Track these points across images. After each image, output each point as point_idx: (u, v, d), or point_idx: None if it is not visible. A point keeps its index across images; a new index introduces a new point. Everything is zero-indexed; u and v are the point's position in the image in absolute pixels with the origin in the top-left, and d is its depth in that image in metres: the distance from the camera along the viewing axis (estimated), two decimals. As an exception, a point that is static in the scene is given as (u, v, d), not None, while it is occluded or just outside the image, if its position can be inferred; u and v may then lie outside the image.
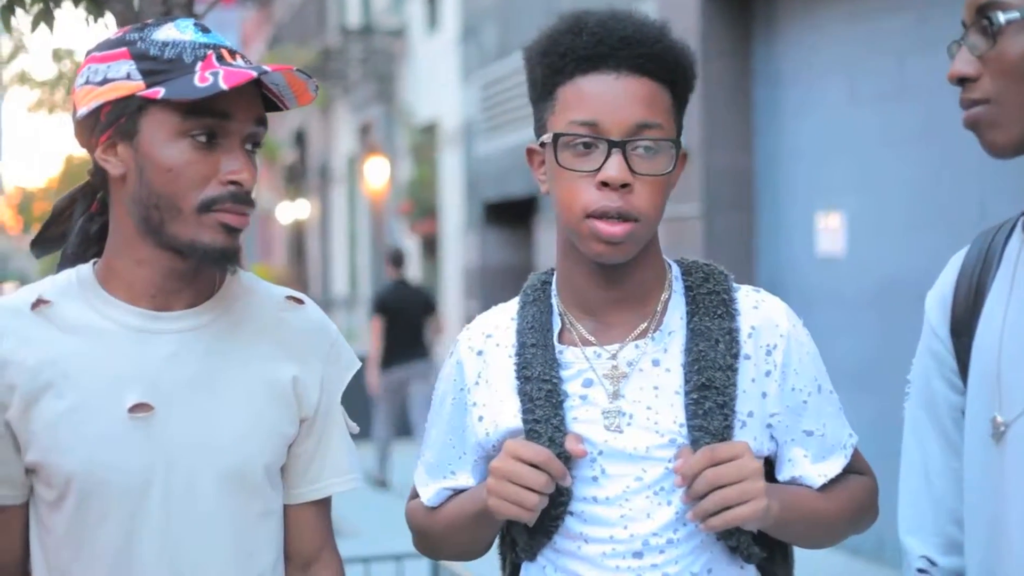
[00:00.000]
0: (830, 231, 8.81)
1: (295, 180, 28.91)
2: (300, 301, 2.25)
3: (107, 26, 3.44)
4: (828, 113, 8.73)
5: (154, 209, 2.04)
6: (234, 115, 2.03)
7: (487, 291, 14.07)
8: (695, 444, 2.08)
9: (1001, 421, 1.85)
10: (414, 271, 19.48)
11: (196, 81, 1.99)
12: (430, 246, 18.85)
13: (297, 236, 29.88)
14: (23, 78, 10.70)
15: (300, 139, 28.38)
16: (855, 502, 2.21)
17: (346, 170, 24.48)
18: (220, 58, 2.03)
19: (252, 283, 2.23)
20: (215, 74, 1.99)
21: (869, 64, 8.16)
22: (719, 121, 9.49)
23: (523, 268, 15.54)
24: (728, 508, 2.00)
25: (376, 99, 20.72)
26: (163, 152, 2.03)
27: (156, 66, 2.02)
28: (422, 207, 18.19)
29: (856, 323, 8.27)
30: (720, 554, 2.13)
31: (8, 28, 3.54)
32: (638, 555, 2.10)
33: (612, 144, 2.07)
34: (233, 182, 2.03)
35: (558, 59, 2.12)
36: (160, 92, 2.00)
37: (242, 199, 2.04)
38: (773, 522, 2.09)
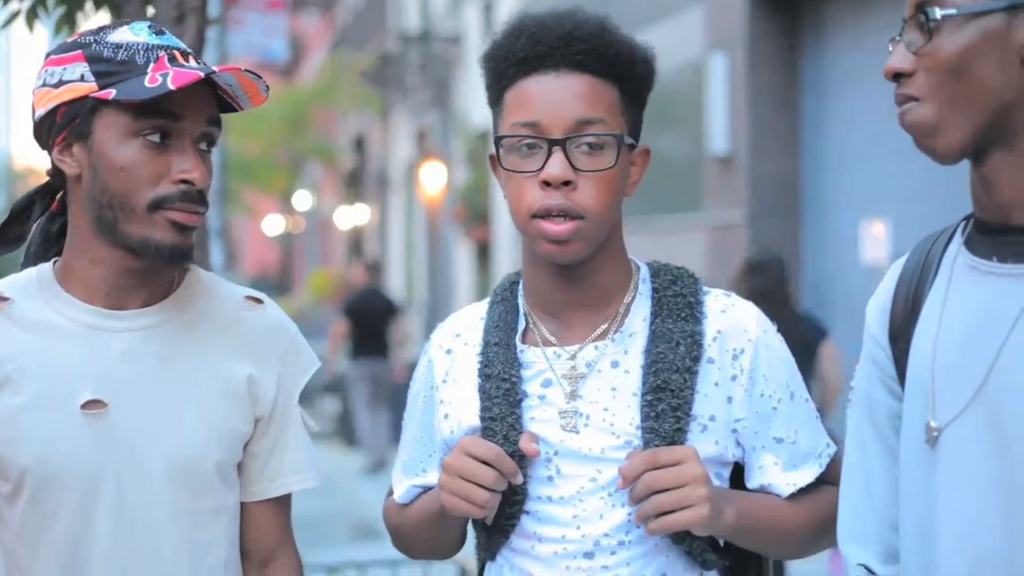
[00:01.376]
0: (875, 239, 8.77)
1: (354, 185, 29.06)
2: (259, 301, 2.27)
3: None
4: (874, 122, 8.68)
5: (107, 208, 2.08)
6: (185, 115, 2.06)
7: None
8: (646, 446, 2.06)
9: (935, 426, 1.84)
10: (467, 276, 19.53)
11: (146, 82, 2.02)
12: (483, 251, 18.89)
13: (356, 241, 30.01)
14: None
15: (359, 145, 28.51)
16: (826, 513, 2.15)
17: (404, 175, 24.57)
18: (172, 59, 2.06)
19: (212, 283, 2.25)
20: (165, 75, 2.02)
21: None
22: (766, 128, 9.48)
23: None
24: (668, 512, 2.00)
25: (433, 105, 20.80)
26: (116, 152, 2.06)
27: (109, 68, 2.06)
28: (476, 213, 18.23)
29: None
30: (676, 559, 2.11)
31: (32, 30, 3.60)
32: (589, 555, 2.09)
33: (552, 143, 2.07)
34: (184, 181, 2.06)
35: (501, 63, 2.13)
36: (112, 93, 2.04)
37: (193, 198, 2.07)
38: (727, 530, 2.07)
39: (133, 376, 2.12)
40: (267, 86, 2.11)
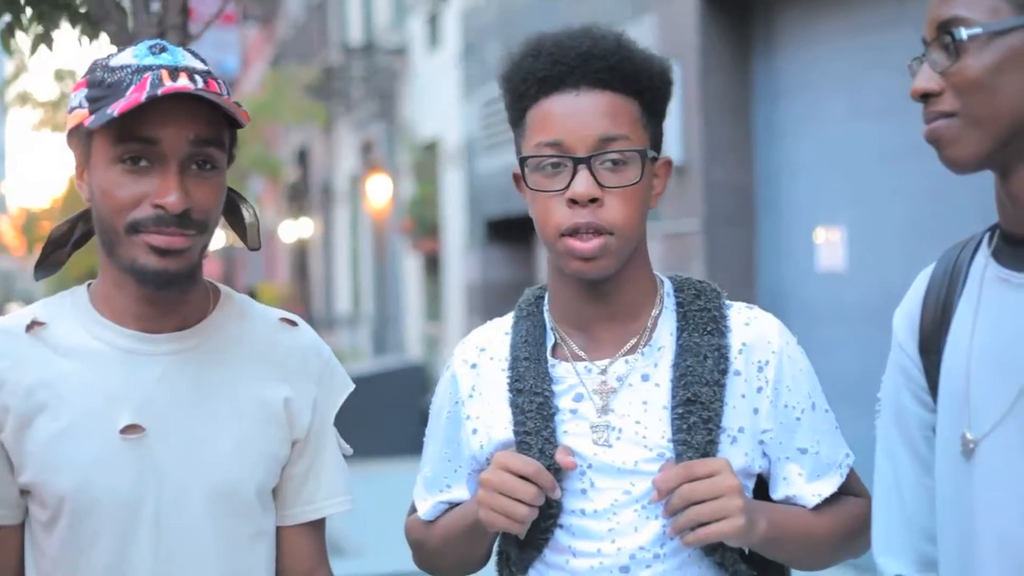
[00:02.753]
0: (830, 246, 8.82)
1: (298, 199, 28.94)
2: (294, 323, 2.27)
3: (102, 47, 3.45)
4: (828, 128, 8.74)
5: (104, 232, 2.09)
6: (161, 138, 2.02)
7: (489, 308, 14.05)
8: (679, 459, 2.09)
9: (971, 438, 1.86)
10: (416, 289, 19.49)
11: (109, 108, 2.00)
12: (432, 264, 18.86)
13: (300, 255, 29.89)
14: (25, 98, 10.73)
15: (303, 157, 28.41)
16: (849, 524, 2.19)
17: (348, 188, 24.50)
18: (156, 80, 2.02)
19: (246, 306, 2.25)
20: (128, 99, 1.99)
21: (869, 79, 8.18)
22: (719, 136, 9.51)
23: (526, 284, 15.40)
24: (704, 524, 2.01)
25: (378, 117, 20.75)
26: (102, 177, 2.06)
27: (99, 92, 2.05)
28: (424, 225, 18.20)
29: (857, 338, 8.27)
30: (708, 570, 2.13)
31: (8, 50, 3.56)
32: (625, 569, 2.11)
33: (577, 161, 2.09)
34: (158, 205, 2.02)
35: (521, 83, 2.16)
36: (88, 120, 2.03)
37: (168, 221, 2.03)
38: (759, 540, 2.09)
39: (171, 400, 2.11)
40: (238, 103, 2.08)
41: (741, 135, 9.57)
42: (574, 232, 2.09)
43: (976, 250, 1.97)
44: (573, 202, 2.09)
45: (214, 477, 2.12)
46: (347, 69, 21.47)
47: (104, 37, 3.36)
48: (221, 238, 38.65)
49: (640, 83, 2.14)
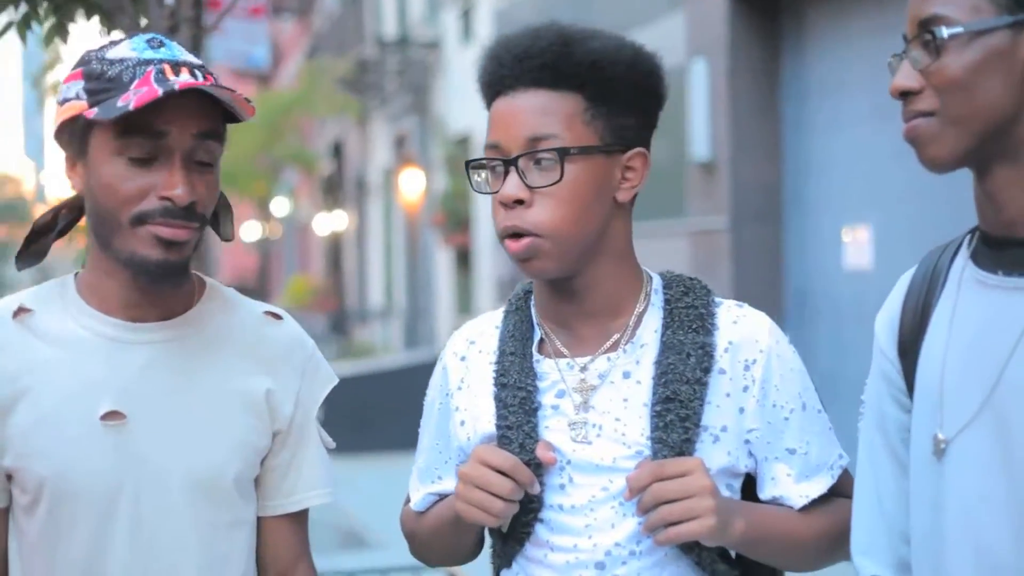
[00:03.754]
0: (857, 244, 8.80)
1: (332, 192, 29.02)
2: (278, 316, 2.28)
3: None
4: (856, 127, 8.71)
5: (101, 225, 2.10)
6: (169, 132, 2.04)
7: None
8: (655, 457, 2.08)
9: (942, 438, 1.86)
10: (447, 283, 19.52)
11: (119, 101, 2.01)
12: (463, 258, 18.89)
13: (334, 247, 29.97)
14: (58, 89, 10.77)
15: (337, 151, 28.49)
16: (840, 526, 2.15)
17: (382, 182, 24.55)
18: (160, 74, 2.04)
19: (232, 298, 2.27)
20: (138, 92, 2.01)
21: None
22: (747, 134, 9.50)
23: (556, 280, 15.48)
24: (676, 523, 2.01)
25: (411, 111, 20.79)
26: (103, 170, 2.07)
27: (99, 85, 2.05)
28: (456, 219, 18.24)
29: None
30: (686, 569, 2.12)
31: (25, 40, 3.59)
32: (600, 565, 2.10)
33: (507, 163, 2.10)
34: (166, 197, 2.04)
35: (481, 88, 2.18)
36: (93, 112, 2.03)
37: (175, 213, 2.05)
38: (736, 541, 2.08)
39: (153, 389, 2.13)
40: (246, 98, 2.09)
41: (769, 133, 9.56)
42: (505, 234, 2.11)
43: (956, 252, 1.97)
44: (504, 204, 2.10)
45: (193, 465, 2.13)
46: (381, 63, 21.51)
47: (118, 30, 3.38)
48: (257, 230, 38.84)
49: (581, 77, 2.10)
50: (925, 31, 1.84)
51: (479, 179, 2.16)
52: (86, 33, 3.68)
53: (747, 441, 2.15)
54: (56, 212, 2.26)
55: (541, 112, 2.09)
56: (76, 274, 2.20)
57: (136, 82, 2.03)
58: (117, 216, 2.06)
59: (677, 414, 2.09)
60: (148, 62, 2.06)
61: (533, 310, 2.25)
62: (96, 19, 3.47)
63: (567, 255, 2.11)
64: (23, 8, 3.45)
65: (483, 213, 17.38)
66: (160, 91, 1.99)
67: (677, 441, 2.08)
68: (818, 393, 2.23)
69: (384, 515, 9.39)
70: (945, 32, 1.81)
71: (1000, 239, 1.86)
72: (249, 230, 38.60)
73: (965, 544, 1.84)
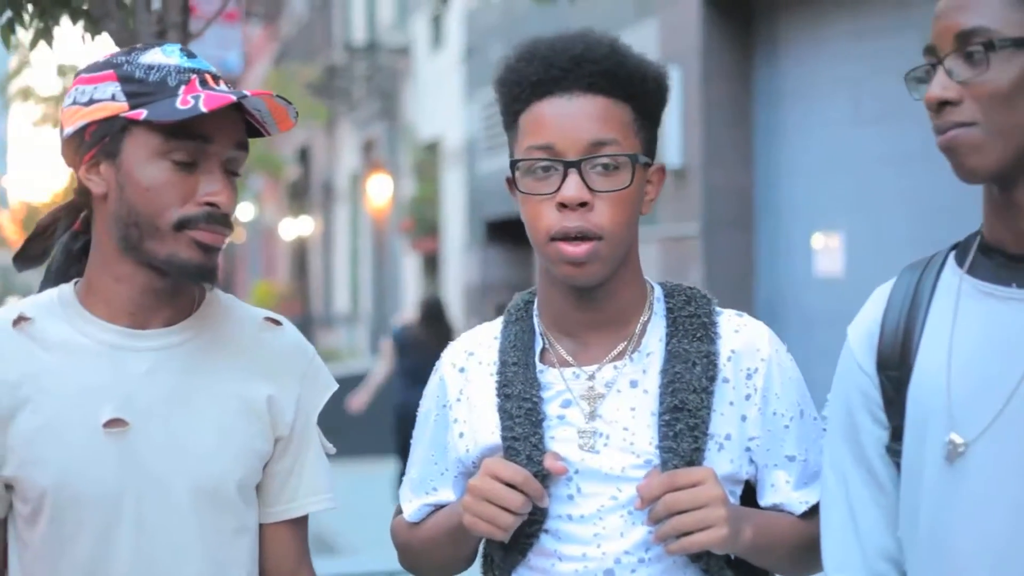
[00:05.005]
0: (829, 251, 8.84)
1: (298, 197, 28.95)
2: (278, 322, 2.28)
3: (103, 44, 3.46)
4: (828, 133, 8.75)
5: (133, 227, 2.09)
6: (214, 138, 2.08)
7: (487, 308, 14.06)
8: (665, 466, 2.08)
9: (960, 442, 1.89)
10: (414, 289, 19.49)
11: (178, 104, 2.04)
12: (431, 264, 18.88)
13: (300, 253, 29.89)
14: (27, 93, 10.73)
15: (304, 156, 28.42)
16: None
17: (349, 187, 24.51)
18: (203, 83, 2.08)
19: (231, 304, 2.27)
20: (196, 97, 2.04)
21: (870, 83, 8.19)
22: (719, 140, 9.52)
23: (524, 285, 15.33)
24: (688, 533, 2.01)
25: (380, 116, 20.77)
26: (143, 172, 2.07)
27: (141, 88, 2.07)
28: (424, 225, 18.22)
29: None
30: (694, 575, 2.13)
31: (8, 45, 3.57)
32: (609, 573, 2.11)
33: (568, 164, 2.09)
34: (210, 203, 2.07)
35: (514, 87, 2.15)
36: (143, 114, 2.05)
37: (218, 219, 2.08)
38: (745, 548, 2.10)
39: (155, 396, 2.12)
40: (296, 112, 2.12)
41: (741, 139, 9.58)
42: (564, 236, 2.08)
43: (941, 268, 2.01)
44: (563, 206, 2.08)
45: (196, 472, 2.13)
46: (350, 68, 21.48)
47: (105, 34, 3.36)
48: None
49: (633, 88, 2.13)
50: (967, 43, 1.85)
51: (530, 179, 2.13)
52: (70, 38, 3.66)
53: (748, 449, 2.16)
54: (56, 215, 2.26)
55: (602, 118, 2.11)
56: (75, 282, 2.19)
57: (184, 87, 2.06)
58: (156, 220, 2.07)
59: (686, 423, 2.10)
60: (191, 70, 2.09)
61: (535, 320, 2.24)
62: (81, 24, 3.46)
63: (614, 261, 2.13)
64: (7, 12, 3.43)
65: (451, 219, 17.37)
66: (233, 96, 2.03)
67: (687, 450, 2.09)
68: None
69: (352, 521, 9.42)
70: (997, 43, 1.83)
71: (1016, 255, 1.91)
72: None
73: (981, 545, 1.86)
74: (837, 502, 2.09)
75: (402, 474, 8.81)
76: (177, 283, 2.13)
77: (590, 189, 2.08)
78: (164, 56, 2.10)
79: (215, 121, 2.06)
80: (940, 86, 1.88)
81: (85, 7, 3.38)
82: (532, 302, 2.28)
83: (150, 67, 2.09)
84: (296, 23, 27.63)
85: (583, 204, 2.08)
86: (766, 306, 9.46)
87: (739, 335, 2.19)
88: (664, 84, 2.19)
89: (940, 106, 1.88)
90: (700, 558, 2.11)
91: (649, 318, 2.21)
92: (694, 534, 2.01)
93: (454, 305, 17.04)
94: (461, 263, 16.74)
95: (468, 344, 2.30)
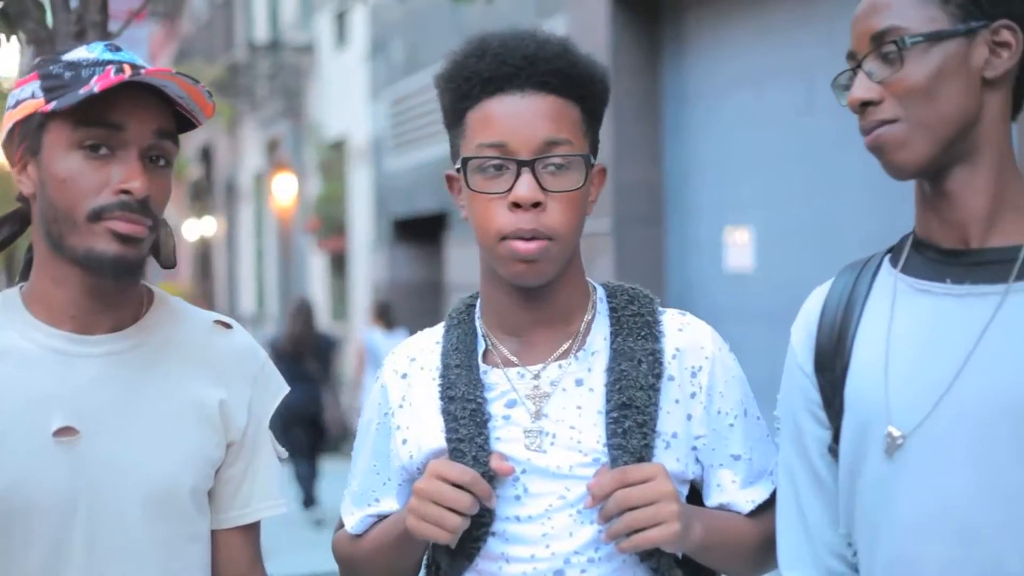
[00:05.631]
0: (739, 246, 8.90)
1: (201, 197, 28.69)
2: (228, 326, 2.25)
3: (20, 43, 3.40)
4: (737, 129, 8.81)
5: (54, 223, 2.05)
6: (127, 125, 2.03)
7: (395, 307, 14.04)
8: (614, 463, 2.07)
9: (898, 434, 1.92)
10: (322, 288, 19.40)
11: (81, 90, 2.00)
12: (338, 263, 18.79)
13: (203, 253, 29.64)
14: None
15: (206, 155, 28.18)
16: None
17: (253, 187, 24.34)
18: (119, 71, 2.02)
19: (180, 308, 2.23)
20: (101, 81, 2.00)
21: (777, 80, 8.26)
22: (629, 136, 9.55)
23: (432, 284, 15.52)
24: (640, 530, 2.00)
25: (284, 115, 20.64)
26: (59, 164, 2.03)
27: (56, 83, 2.04)
28: (330, 224, 18.14)
29: (764, 338, 8.33)
30: (644, 574, 2.12)
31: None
32: (559, 573, 2.09)
33: (521, 163, 2.07)
34: (123, 191, 2.02)
35: (463, 83, 2.12)
36: (52, 105, 2.01)
37: (132, 207, 2.02)
38: (695, 546, 2.09)
39: (105, 402, 2.08)
40: (209, 92, 2.07)
41: (651, 135, 9.63)
42: (516, 236, 2.06)
43: (878, 269, 2.05)
44: (516, 205, 2.06)
45: (148, 480, 2.09)
46: (252, 66, 21.33)
47: (21, 35, 3.31)
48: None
49: (583, 88, 2.12)
50: (882, 43, 1.92)
51: (480, 177, 2.10)
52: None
53: (694, 448, 2.16)
54: (1, 223, 2.21)
55: (555, 117, 2.09)
56: (20, 287, 2.15)
57: (97, 76, 2.01)
58: (73, 212, 2.02)
59: (635, 420, 2.10)
60: (108, 61, 2.04)
61: (478, 322, 2.23)
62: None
63: (563, 261, 2.12)
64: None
65: (358, 218, 17.31)
66: (126, 76, 1.98)
67: (636, 447, 2.08)
68: None
69: (274, 524, 9.32)
70: (908, 40, 1.89)
71: (949, 250, 1.95)
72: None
73: (934, 531, 1.90)
74: (788, 502, 2.12)
75: (296, 476, 8.89)
76: (116, 284, 2.07)
77: (543, 189, 2.07)
78: (86, 52, 2.07)
79: (128, 108, 2.02)
80: (860, 88, 1.93)
81: (1, 6, 3.32)
82: (473, 305, 2.26)
83: (69, 63, 2.05)
84: (196, 22, 27.38)
85: (536, 204, 2.06)
86: (677, 301, 9.51)
87: (683, 333, 2.19)
88: (608, 84, 2.18)
89: (863, 107, 1.93)
90: (650, 556, 2.10)
91: (593, 317, 2.20)
92: (646, 530, 2.00)
93: (361, 305, 16.97)
94: (368, 262, 16.68)
95: (410, 351, 2.27)
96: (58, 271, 2.08)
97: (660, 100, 9.62)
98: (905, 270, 2.00)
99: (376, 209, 16.09)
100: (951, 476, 1.88)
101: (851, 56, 1.97)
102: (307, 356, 11.51)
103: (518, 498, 2.11)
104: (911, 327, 1.95)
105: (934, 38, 1.89)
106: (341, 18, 18.09)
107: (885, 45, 1.91)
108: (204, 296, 28.00)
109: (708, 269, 9.22)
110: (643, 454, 2.09)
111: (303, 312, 11.96)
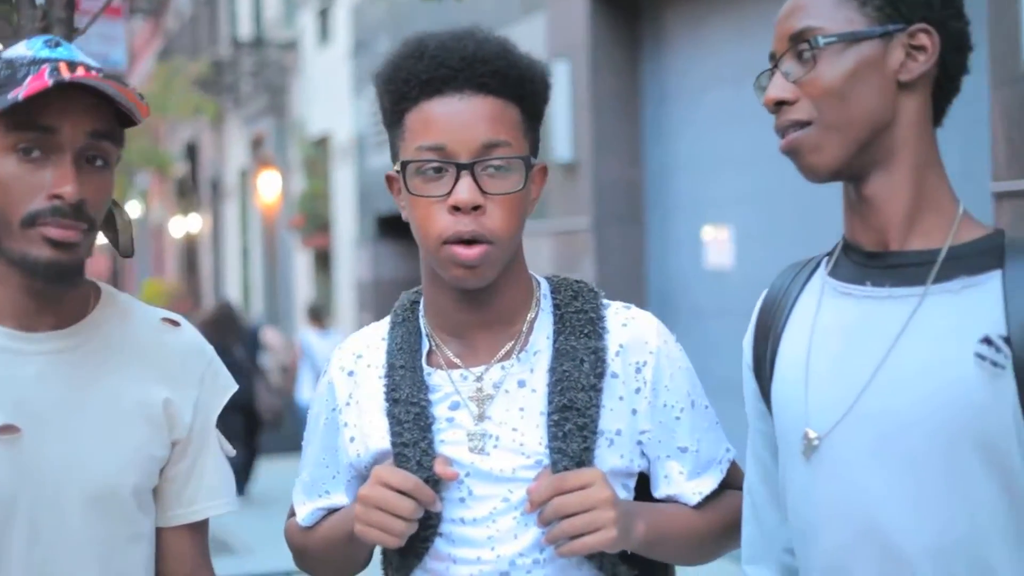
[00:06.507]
0: (718, 243, 8.92)
1: (186, 194, 28.66)
2: (176, 323, 2.24)
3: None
4: (716, 126, 8.83)
5: None
6: (60, 128, 2.01)
7: (380, 304, 14.03)
8: (555, 466, 2.08)
9: (813, 436, 1.94)
10: (306, 285, 19.39)
11: (10, 94, 1.98)
12: (323, 260, 18.78)
13: (189, 250, 29.60)
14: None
15: (192, 152, 28.13)
16: (731, 517, 2.20)
17: (238, 183, 24.31)
18: (54, 71, 2.00)
19: (128, 305, 2.21)
20: (30, 86, 1.97)
21: (754, 78, 8.25)
22: (608, 134, 9.57)
23: (417, 281, 15.46)
24: (578, 535, 2.01)
25: (268, 112, 20.61)
26: None
27: None
28: (314, 221, 18.12)
29: (743, 334, 8.36)
30: (588, 573, 2.13)
31: None
32: (504, 575, 2.10)
33: (460, 167, 2.05)
34: (55, 195, 2.00)
35: (402, 85, 2.10)
36: None
37: (65, 213, 2.00)
38: (638, 544, 2.10)
39: (47, 400, 2.07)
40: (140, 95, 2.05)
41: (630, 133, 9.64)
42: (457, 240, 2.05)
43: (814, 271, 2.06)
44: (456, 209, 2.05)
45: (90, 478, 2.08)
46: (237, 63, 21.31)
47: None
48: (108, 233, 38.23)
49: (523, 88, 2.12)
50: (799, 43, 1.92)
51: (418, 180, 2.09)
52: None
53: (640, 442, 2.16)
54: None
55: (493, 119, 2.08)
56: None
57: (30, 77, 1.99)
58: (7, 217, 2.01)
59: (575, 423, 2.10)
60: (44, 60, 2.02)
61: (422, 320, 2.22)
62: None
63: (504, 263, 2.12)
64: None
65: (342, 215, 17.29)
66: (50, 82, 1.96)
67: (576, 450, 2.09)
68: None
69: (247, 520, 9.34)
70: (821, 40, 1.90)
71: (868, 252, 1.96)
72: (98, 234, 37.95)
73: (850, 535, 1.90)
74: (748, 496, 2.15)
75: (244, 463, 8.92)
76: (53, 287, 2.06)
77: (482, 192, 2.06)
78: (25, 49, 2.05)
79: (61, 110, 2.00)
80: (776, 87, 1.94)
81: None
82: (418, 302, 2.25)
83: (7, 61, 2.03)
84: (180, 18, 27.34)
85: (476, 207, 2.05)
86: (657, 298, 9.53)
87: (627, 329, 2.19)
88: (548, 83, 2.17)
89: (777, 106, 1.94)
90: (593, 557, 2.11)
91: (536, 315, 2.20)
92: (583, 536, 2.01)
93: (346, 302, 16.96)
94: (353, 259, 16.67)
95: (356, 347, 2.27)
96: (0, 270, 2.07)
97: (639, 98, 9.64)
98: (832, 272, 2.01)
99: (359, 206, 16.08)
100: (863, 479, 1.89)
101: (771, 56, 1.97)
102: (233, 347, 11.91)
103: (463, 500, 2.11)
104: (832, 330, 1.96)
105: (848, 39, 1.89)
106: (324, 15, 18.07)
107: (800, 44, 1.91)
108: (190, 293, 27.97)
109: (688, 266, 9.23)
110: (583, 457, 2.09)
111: (223, 309, 13.12)
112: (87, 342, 2.13)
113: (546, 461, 2.09)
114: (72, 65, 2.02)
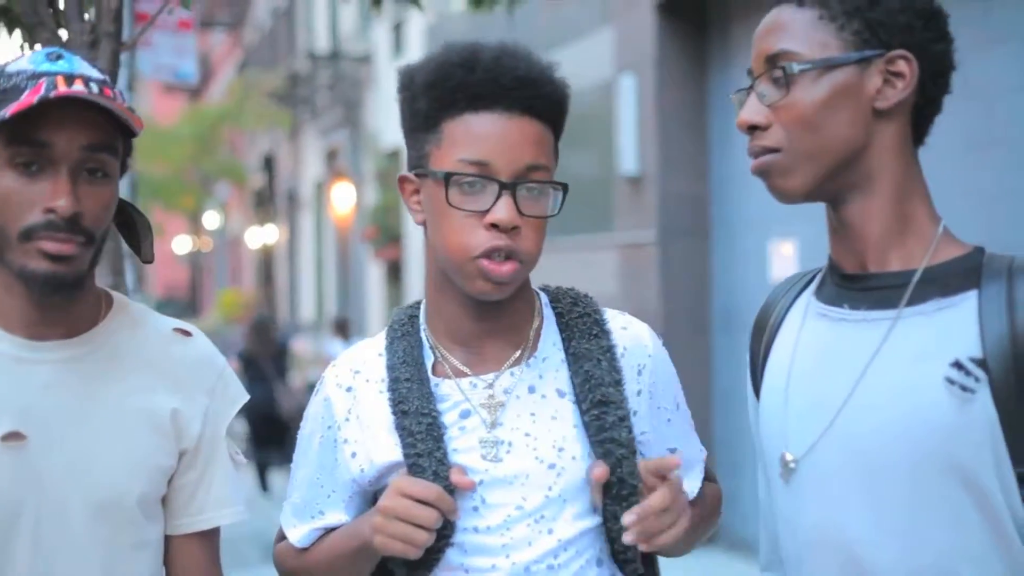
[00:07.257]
0: (783, 258, 8.87)
1: (263, 205, 28.91)
2: (188, 333, 2.25)
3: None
4: (782, 141, 8.77)
5: None
6: (55, 142, 2.01)
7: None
8: (607, 458, 2.09)
9: (790, 459, 1.94)
10: (378, 296, 19.48)
11: (3, 110, 2.00)
12: (395, 271, 18.87)
13: (265, 261, 29.84)
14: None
15: (268, 164, 28.38)
16: (709, 508, 2.29)
17: (313, 195, 24.48)
18: (52, 86, 2.01)
19: (140, 315, 2.23)
20: (19, 102, 1.99)
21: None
22: (675, 148, 9.55)
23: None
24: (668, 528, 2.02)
25: (343, 125, 20.75)
26: None
27: None
28: (387, 233, 18.20)
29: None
30: None
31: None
32: None
33: (503, 185, 2.06)
34: (50, 209, 2.01)
35: (448, 93, 2.09)
36: None
37: (59, 227, 2.02)
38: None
39: (55, 409, 2.09)
40: (131, 108, 2.06)
41: (697, 147, 9.61)
42: (491, 256, 2.07)
43: (804, 289, 2.05)
44: (493, 226, 2.06)
45: (95, 486, 2.10)
46: (313, 76, 21.47)
47: (37, 46, 3.37)
48: (188, 244, 38.56)
49: (559, 114, 2.14)
50: (774, 67, 1.89)
51: (456, 191, 2.08)
52: (6, 47, 3.66)
53: (639, 442, 2.18)
54: None
55: (536, 142, 2.10)
56: None
57: (27, 92, 2.00)
58: (7, 230, 2.03)
59: (616, 415, 2.12)
60: (43, 74, 2.03)
61: (423, 333, 2.23)
62: (18, 33, 3.46)
63: (524, 280, 2.16)
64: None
65: (413, 228, 17.34)
66: (35, 99, 1.97)
67: (626, 438, 2.11)
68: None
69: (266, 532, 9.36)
70: (796, 67, 1.87)
71: (848, 274, 1.95)
72: (180, 244, 38.37)
73: (830, 558, 1.91)
74: (761, 507, 2.16)
75: (257, 464, 9.16)
76: (54, 299, 2.08)
77: (520, 213, 2.07)
78: (27, 62, 2.06)
79: (54, 124, 2.01)
80: (749, 111, 1.92)
81: (19, 16, 3.38)
82: (416, 316, 2.26)
83: (9, 75, 2.05)
84: (259, 31, 27.60)
85: (514, 228, 2.07)
86: (722, 312, 9.51)
87: (627, 332, 2.23)
88: (568, 107, 2.19)
89: (751, 129, 1.92)
90: (625, 551, 2.12)
91: (540, 323, 2.22)
92: (661, 535, 2.01)
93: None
94: (423, 272, 16.71)
95: (352, 363, 2.25)
96: (6, 280, 2.09)
97: (706, 111, 9.61)
98: (817, 292, 2.00)
99: (431, 218, 16.13)
100: (837, 503, 1.89)
101: (749, 74, 1.95)
102: (261, 360, 13.30)
103: (476, 509, 2.11)
104: (810, 352, 1.96)
105: (823, 65, 1.87)
106: (398, 29, 18.17)
107: (775, 70, 1.89)
108: (265, 303, 28.20)
109: (753, 281, 9.18)
110: (633, 446, 2.11)
111: (261, 327, 14.07)
112: (96, 351, 2.14)
113: (559, 465, 2.11)
114: (69, 78, 2.03)
